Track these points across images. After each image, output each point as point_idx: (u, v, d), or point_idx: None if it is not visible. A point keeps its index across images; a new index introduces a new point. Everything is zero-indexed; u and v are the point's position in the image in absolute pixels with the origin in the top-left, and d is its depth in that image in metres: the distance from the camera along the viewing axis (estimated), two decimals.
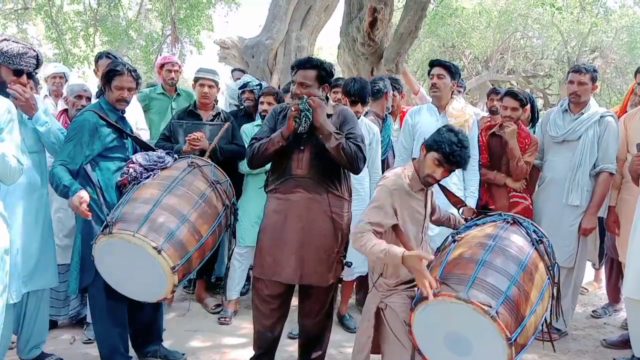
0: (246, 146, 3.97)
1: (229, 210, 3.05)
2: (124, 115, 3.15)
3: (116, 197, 2.94)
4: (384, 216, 2.48)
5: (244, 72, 6.50)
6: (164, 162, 2.98)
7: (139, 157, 2.95)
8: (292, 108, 2.73)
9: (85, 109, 3.06)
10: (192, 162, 3.01)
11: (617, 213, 3.78)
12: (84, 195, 2.71)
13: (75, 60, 15.17)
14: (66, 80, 4.82)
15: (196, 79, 4.04)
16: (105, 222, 2.66)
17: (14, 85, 2.76)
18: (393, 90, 4.30)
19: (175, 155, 3.12)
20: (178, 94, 4.81)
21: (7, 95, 2.71)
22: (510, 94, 3.78)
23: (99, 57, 4.19)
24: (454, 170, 2.59)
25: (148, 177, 2.87)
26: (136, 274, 2.68)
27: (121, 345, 3.01)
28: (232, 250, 4.03)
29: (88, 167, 2.91)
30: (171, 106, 4.69)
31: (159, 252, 2.55)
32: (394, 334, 2.54)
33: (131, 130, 3.19)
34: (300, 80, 2.85)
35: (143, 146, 3.16)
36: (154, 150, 3.13)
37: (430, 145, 2.52)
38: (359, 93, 3.67)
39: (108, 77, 3.00)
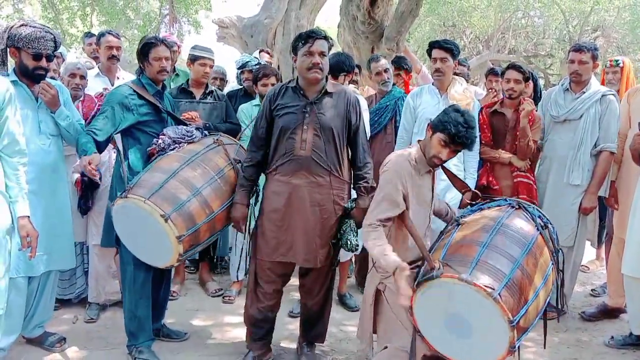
0: (241, 125, 3.96)
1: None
2: (164, 91, 3.25)
3: (144, 166, 3.02)
4: (393, 208, 2.47)
5: (268, 53, 5.90)
6: (192, 137, 3.07)
7: (169, 130, 3.06)
8: None
9: (122, 84, 3.17)
10: (217, 140, 3.11)
11: (617, 188, 3.76)
12: (94, 157, 2.81)
13: (72, 40, 15.04)
14: (63, 60, 4.76)
15: (196, 57, 3.97)
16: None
17: (38, 86, 2.90)
18: (402, 69, 4.49)
19: (206, 132, 3.19)
20: (177, 74, 4.77)
21: (34, 79, 2.88)
22: (514, 66, 3.73)
23: (101, 35, 4.14)
24: (460, 151, 2.59)
25: (173, 149, 2.97)
26: (146, 238, 2.79)
27: (147, 320, 3.06)
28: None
29: (118, 136, 3.06)
30: (170, 87, 4.66)
31: (166, 220, 2.64)
32: (394, 315, 2.55)
33: (172, 108, 3.27)
34: (321, 50, 2.80)
35: (178, 122, 3.24)
36: (186, 125, 3.20)
37: (436, 125, 2.51)
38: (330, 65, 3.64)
39: (144, 51, 3.06)
